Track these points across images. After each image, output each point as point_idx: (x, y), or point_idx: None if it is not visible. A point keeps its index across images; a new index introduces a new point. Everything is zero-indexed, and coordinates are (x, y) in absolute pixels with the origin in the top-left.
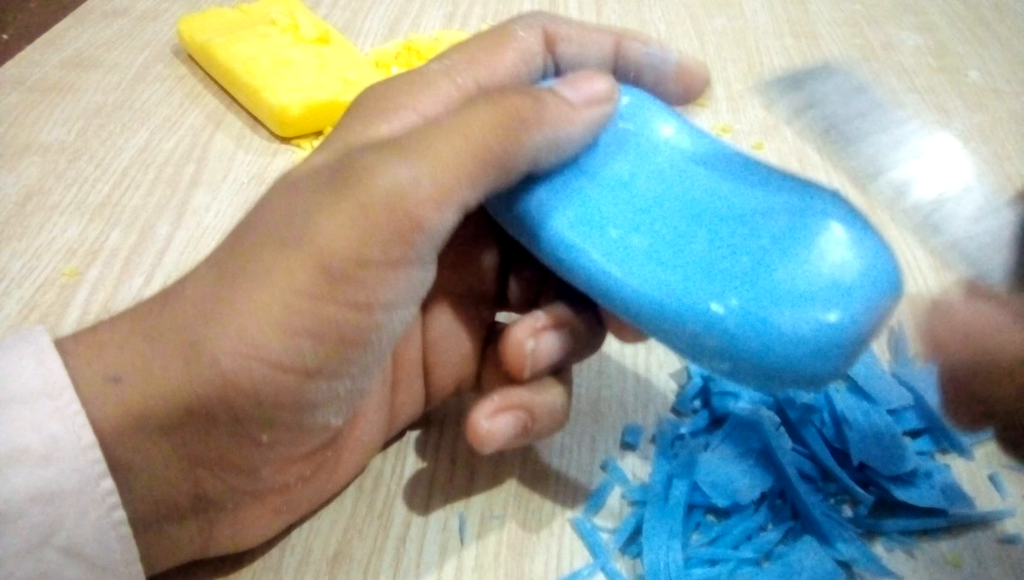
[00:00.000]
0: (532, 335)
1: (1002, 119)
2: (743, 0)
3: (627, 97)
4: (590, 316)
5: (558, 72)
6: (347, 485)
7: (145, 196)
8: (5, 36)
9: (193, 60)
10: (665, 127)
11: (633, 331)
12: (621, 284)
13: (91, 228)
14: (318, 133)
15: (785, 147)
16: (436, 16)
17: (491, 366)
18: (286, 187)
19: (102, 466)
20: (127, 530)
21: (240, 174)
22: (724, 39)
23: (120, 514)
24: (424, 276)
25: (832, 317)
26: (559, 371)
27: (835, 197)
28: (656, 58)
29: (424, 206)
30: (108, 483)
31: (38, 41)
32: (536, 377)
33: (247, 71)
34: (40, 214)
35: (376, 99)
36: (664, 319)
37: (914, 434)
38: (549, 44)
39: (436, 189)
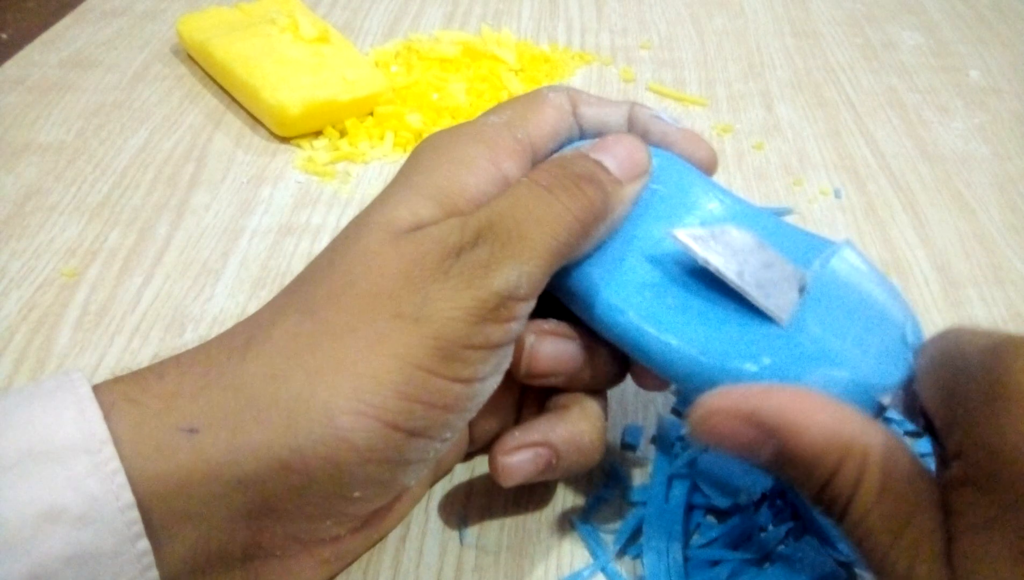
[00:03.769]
0: (535, 333)
1: (1003, 119)
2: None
3: (656, 159)
4: (607, 348)
5: (582, 135)
6: (388, 534)
7: (144, 196)
8: (4, 35)
9: (192, 60)
10: (693, 189)
11: (656, 382)
12: (655, 341)
13: (90, 228)
14: (317, 133)
15: (786, 147)
16: (436, 16)
17: (528, 407)
18: (396, 251)
19: (139, 526)
20: None
21: (239, 174)
22: (724, 39)
23: (153, 574)
24: (510, 351)
25: (860, 376)
26: (587, 406)
27: (851, 254)
28: (664, 125)
29: (520, 303)
30: (144, 543)
31: (37, 41)
32: (535, 382)
33: (246, 70)
34: (39, 214)
35: (452, 147)
36: (698, 375)
37: (914, 435)
38: (573, 107)
39: (531, 287)
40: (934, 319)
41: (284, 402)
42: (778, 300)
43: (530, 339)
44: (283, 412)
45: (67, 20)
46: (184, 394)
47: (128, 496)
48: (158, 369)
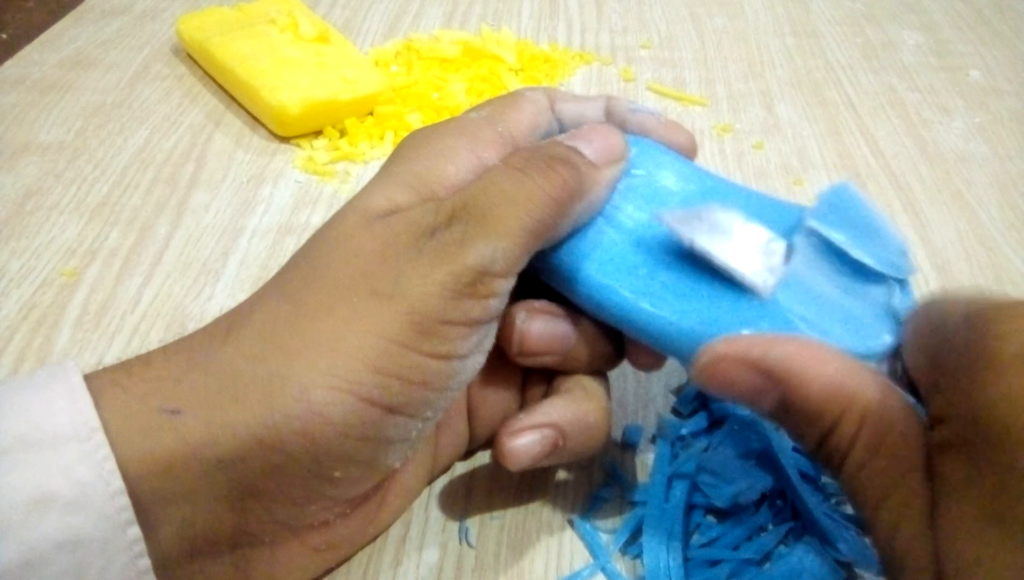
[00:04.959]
0: (525, 310)
1: (1003, 118)
2: None
3: (636, 147)
4: (599, 328)
5: (561, 130)
6: (389, 527)
7: (144, 195)
8: (4, 35)
9: (192, 59)
10: (672, 171)
11: (650, 360)
12: (655, 317)
13: (90, 228)
14: (317, 132)
15: (786, 146)
16: (435, 15)
17: (530, 399)
18: (370, 233)
19: (129, 513)
20: (151, 578)
21: (239, 173)
22: (724, 38)
23: (145, 562)
24: (492, 329)
25: (860, 344)
26: (589, 387)
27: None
28: (642, 115)
29: (498, 279)
30: (135, 531)
31: (37, 40)
32: (528, 361)
33: (246, 70)
34: (39, 214)
35: (434, 139)
36: (695, 347)
37: None
38: (551, 104)
39: (507, 263)
40: None
41: (261, 380)
42: (763, 274)
43: (520, 316)
44: (260, 390)
45: (67, 20)
46: (168, 378)
47: (118, 482)
48: (145, 357)
